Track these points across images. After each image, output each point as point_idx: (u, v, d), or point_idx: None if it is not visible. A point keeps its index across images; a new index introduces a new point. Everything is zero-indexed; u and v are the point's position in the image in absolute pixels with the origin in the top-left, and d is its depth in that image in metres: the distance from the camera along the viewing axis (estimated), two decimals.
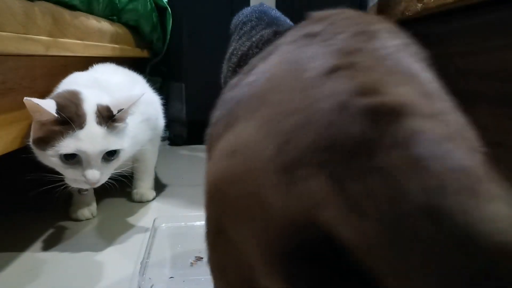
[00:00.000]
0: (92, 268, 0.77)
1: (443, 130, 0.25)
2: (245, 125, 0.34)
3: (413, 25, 1.44)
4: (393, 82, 0.29)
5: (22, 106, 0.73)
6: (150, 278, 0.70)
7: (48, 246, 0.86)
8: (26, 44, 0.73)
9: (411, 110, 0.26)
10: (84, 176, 0.77)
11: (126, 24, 1.48)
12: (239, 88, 0.39)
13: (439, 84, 0.36)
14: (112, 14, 1.34)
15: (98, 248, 0.85)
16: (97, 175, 0.78)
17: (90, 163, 0.77)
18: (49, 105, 0.75)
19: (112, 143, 0.80)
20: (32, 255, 0.82)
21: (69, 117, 0.76)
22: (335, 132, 0.26)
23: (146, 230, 0.92)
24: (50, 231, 0.93)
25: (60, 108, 0.76)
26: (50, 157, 0.77)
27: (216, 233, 0.35)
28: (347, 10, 0.43)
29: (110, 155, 0.81)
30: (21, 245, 0.86)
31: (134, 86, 1.05)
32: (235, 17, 0.97)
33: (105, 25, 1.21)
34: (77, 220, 0.99)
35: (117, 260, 0.80)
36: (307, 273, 0.28)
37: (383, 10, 1.72)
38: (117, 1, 1.34)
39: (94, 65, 1.05)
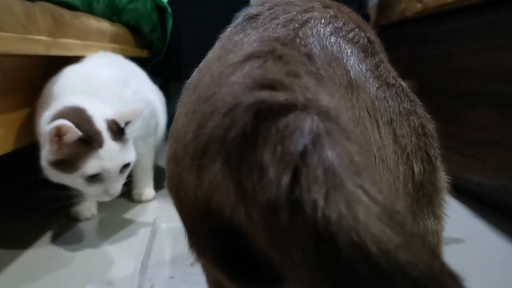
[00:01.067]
0: (92, 268, 0.77)
1: (322, 126, 0.25)
2: (181, 109, 0.36)
3: (413, 25, 1.44)
4: (297, 74, 0.29)
5: (23, 106, 0.73)
6: (150, 278, 0.70)
7: (48, 246, 0.86)
8: (26, 44, 0.73)
9: (300, 106, 0.26)
10: (108, 192, 0.80)
11: (126, 24, 1.48)
12: (192, 74, 0.41)
13: (368, 72, 0.35)
14: (112, 14, 1.34)
15: (98, 248, 0.85)
16: (119, 188, 0.81)
17: (111, 178, 0.79)
18: (71, 125, 0.73)
19: (127, 156, 0.83)
20: (32, 255, 0.82)
21: (89, 136, 0.76)
22: (229, 123, 0.27)
23: (146, 230, 0.92)
24: (50, 230, 0.93)
25: (77, 127, 0.74)
26: (73, 179, 0.77)
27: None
28: None
29: (125, 166, 0.83)
30: (21, 245, 0.86)
31: (129, 81, 1.02)
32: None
33: (105, 25, 1.21)
34: (77, 219, 0.99)
35: (117, 260, 0.80)
36: (222, 254, 0.29)
37: (383, 10, 1.72)
38: (117, 1, 1.34)
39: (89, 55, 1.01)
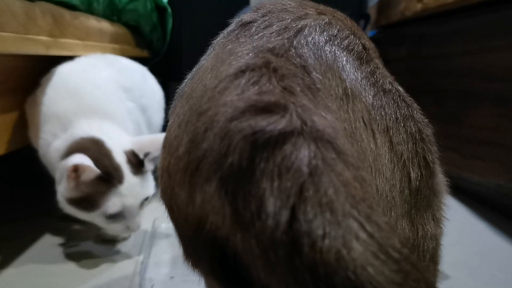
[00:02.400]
0: (92, 268, 0.77)
1: (319, 155, 0.25)
2: (174, 119, 0.36)
3: (413, 25, 1.44)
4: (293, 91, 0.29)
5: (23, 106, 0.73)
6: (150, 278, 0.70)
7: (48, 246, 0.86)
8: (26, 44, 0.73)
9: (297, 133, 0.26)
10: (130, 227, 0.76)
11: (126, 24, 1.48)
12: (184, 83, 0.41)
13: (364, 80, 0.35)
14: (112, 14, 1.34)
15: (98, 248, 0.85)
16: (140, 222, 0.77)
17: (133, 214, 0.75)
18: (89, 162, 0.68)
19: (147, 190, 0.78)
20: (32, 255, 0.82)
21: (108, 173, 0.71)
22: (226, 149, 0.27)
23: (146, 230, 0.92)
24: (50, 231, 0.93)
25: (95, 163, 0.69)
26: (93, 217, 0.73)
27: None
28: (286, 1, 0.42)
29: (145, 199, 0.79)
30: (21, 246, 0.86)
31: (128, 88, 0.95)
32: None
33: (105, 25, 1.21)
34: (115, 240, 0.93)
35: (117, 260, 0.80)
36: (217, 268, 0.30)
37: (383, 10, 1.72)
38: (117, 1, 1.34)
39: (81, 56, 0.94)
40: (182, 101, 0.36)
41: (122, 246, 0.86)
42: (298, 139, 0.26)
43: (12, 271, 0.76)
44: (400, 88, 0.38)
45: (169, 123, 0.38)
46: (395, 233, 0.24)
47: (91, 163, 0.68)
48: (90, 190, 0.70)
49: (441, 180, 0.39)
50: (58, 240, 0.89)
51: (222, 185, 0.27)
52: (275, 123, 0.26)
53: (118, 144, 0.76)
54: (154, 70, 1.18)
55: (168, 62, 1.89)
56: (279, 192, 0.24)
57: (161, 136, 0.83)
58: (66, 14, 0.92)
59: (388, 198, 0.32)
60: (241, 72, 0.31)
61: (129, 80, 0.98)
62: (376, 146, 0.32)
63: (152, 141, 0.78)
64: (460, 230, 0.90)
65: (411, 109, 0.36)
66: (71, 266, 0.78)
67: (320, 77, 0.32)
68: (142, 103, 0.99)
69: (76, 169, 0.68)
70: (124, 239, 0.89)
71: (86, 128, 0.76)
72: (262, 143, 0.26)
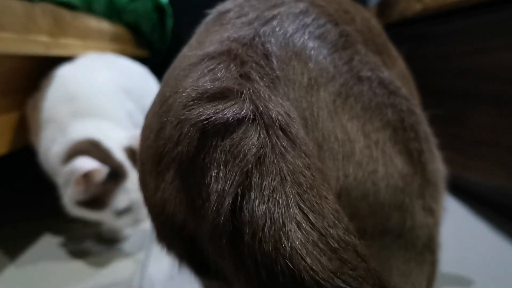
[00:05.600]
0: (93, 268, 0.77)
1: (268, 144, 0.25)
2: (151, 106, 0.37)
3: (413, 25, 1.44)
4: (250, 77, 0.29)
5: (23, 106, 0.73)
6: (150, 278, 0.70)
7: (48, 246, 0.86)
8: (26, 44, 0.73)
9: (248, 119, 0.26)
10: (138, 219, 0.78)
11: (126, 24, 1.48)
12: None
13: (334, 69, 0.35)
14: (112, 14, 1.34)
15: (98, 248, 0.85)
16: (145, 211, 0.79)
17: (140, 206, 0.77)
18: (96, 164, 0.70)
19: None
20: (32, 255, 0.82)
21: (114, 171, 0.73)
22: (177, 137, 0.28)
23: (146, 230, 0.92)
24: (50, 232, 0.93)
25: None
26: (103, 215, 0.75)
27: None
28: None
29: None
30: (21, 246, 0.86)
31: (128, 87, 0.95)
32: None
33: (105, 25, 1.21)
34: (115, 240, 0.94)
35: (117, 260, 0.80)
36: (185, 252, 0.31)
37: (383, 10, 1.72)
38: (117, 1, 1.34)
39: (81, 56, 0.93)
40: (160, 88, 0.37)
41: (122, 246, 0.86)
42: (249, 127, 0.26)
43: (13, 270, 0.76)
44: (384, 75, 0.37)
45: (148, 109, 0.39)
46: (342, 220, 0.24)
47: (99, 164, 0.69)
48: (99, 190, 0.72)
49: (436, 170, 0.38)
50: (58, 240, 0.89)
51: (177, 173, 0.28)
52: (226, 110, 0.26)
53: (116, 142, 0.77)
54: (154, 70, 1.18)
55: (168, 62, 1.89)
56: (224, 180, 0.24)
57: None
58: (66, 14, 0.92)
59: (367, 183, 0.32)
60: (201, 60, 0.31)
61: (129, 81, 0.98)
62: (345, 132, 0.32)
63: None
64: (460, 230, 0.90)
65: (392, 97, 0.36)
66: (71, 266, 0.78)
67: (283, 65, 0.32)
68: (142, 103, 0.99)
69: (86, 175, 0.69)
70: (124, 239, 0.89)
71: (81, 129, 0.77)
72: (211, 131, 0.26)
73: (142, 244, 0.86)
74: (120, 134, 0.81)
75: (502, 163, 0.96)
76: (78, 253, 0.83)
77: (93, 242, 0.88)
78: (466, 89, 1.13)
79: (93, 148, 0.74)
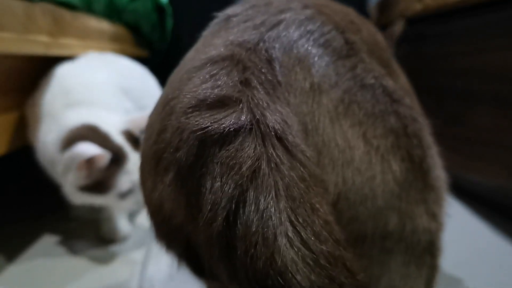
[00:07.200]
0: (93, 269, 0.77)
1: (264, 155, 0.26)
2: (155, 106, 0.37)
3: (413, 25, 1.44)
4: (250, 83, 0.30)
5: (23, 106, 0.73)
6: (150, 278, 0.70)
7: (48, 246, 0.86)
8: (26, 44, 0.73)
9: (245, 129, 0.27)
10: (140, 201, 0.78)
11: (126, 24, 1.48)
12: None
13: (337, 76, 0.35)
14: (112, 14, 1.34)
15: (98, 248, 0.85)
16: None
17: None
18: (98, 149, 0.70)
19: None
20: (32, 256, 0.82)
21: (115, 154, 0.74)
22: (177, 143, 0.28)
23: (146, 230, 0.92)
24: (50, 232, 0.93)
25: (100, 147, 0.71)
26: (106, 199, 0.76)
27: None
28: None
29: None
30: (21, 246, 0.86)
31: (125, 86, 0.95)
32: None
33: (105, 25, 1.21)
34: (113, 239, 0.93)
35: (117, 260, 0.80)
36: (183, 251, 0.31)
37: (383, 10, 1.72)
38: (117, 1, 1.34)
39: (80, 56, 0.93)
40: (164, 89, 0.37)
41: (122, 246, 0.86)
42: (245, 137, 0.26)
43: (13, 270, 0.76)
44: (388, 83, 0.37)
45: (153, 109, 0.39)
46: (333, 233, 0.25)
47: (101, 149, 0.69)
48: (102, 174, 0.73)
49: (438, 175, 0.39)
50: (58, 240, 0.89)
51: (176, 177, 0.28)
52: (223, 120, 0.27)
53: (113, 126, 0.78)
54: (154, 70, 1.18)
55: (168, 62, 1.89)
56: (220, 192, 0.25)
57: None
58: (66, 14, 0.92)
59: (364, 189, 0.32)
60: (205, 64, 0.32)
61: (128, 80, 0.98)
62: (345, 139, 0.32)
63: (147, 118, 0.80)
64: (460, 230, 0.90)
65: (395, 105, 0.36)
66: (71, 266, 0.78)
67: (286, 71, 0.32)
68: (142, 103, 0.99)
69: (90, 160, 0.70)
70: (124, 239, 0.89)
71: (76, 117, 0.77)
72: (209, 140, 0.26)
73: (141, 244, 0.86)
74: (116, 118, 0.81)
75: (502, 163, 0.96)
76: (77, 253, 0.83)
77: (92, 242, 0.88)
78: (466, 89, 1.13)
79: (92, 133, 0.74)
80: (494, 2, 1.00)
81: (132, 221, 0.99)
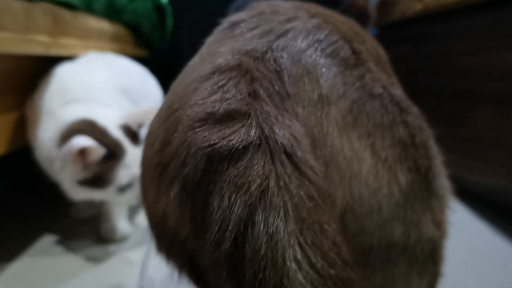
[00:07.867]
0: (92, 268, 0.77)
1: (273, 174, 0.25)
2: (158, 112, 0.37)
3: (413, 25, 1.44)
4: (259, 95, 0.29)
5: (22, 106, 0.73)
6: (150, 278, 0.70)
7: (48, 246, 0.86)
8: (26, 44, 0.73)
9: (254, 145, 0.26)
10: (138, 195, 0.78)
11: (126, 24, 1.48)
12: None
13: (345, 86, 0.34)
14: (112, 14, 1.33)
15: (98, 248, 0.85)
16: None
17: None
18: (95, 144, 0.70)
19: None
20: (32, 256, 0.82)
21: (112, 149, 0.74)
22: (184, 157, 0.28)
23: (146, 230, 0.92)
24: (50, 232, 0.93)
25: (97, 142, 0.72)
26: (106, 193, 0.76)
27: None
28: (282, 3, 0.41)
29: None
30: (21, 246, 0.86)
31: (124, 86, 0.95)
32: None
33: (105, 25, 1.21)
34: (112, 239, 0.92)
35: (117, 260, 0.80)
36: (184, 263, 0.31)
37: (383, 10, 1.72)
38: (117, 1, 1.34)
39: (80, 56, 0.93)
40: (168, 96, 0.37)
41: (122, 246, 0.86)
42: (254, 154, 0.26)
43: (13, 270, 0.76)
44: (396, 92, 0.37)
45: (155, 115, 0.38)
46: (340, 253, 0.25)
47: (95, 143, 0.70)
48: (100, 168, 0.73)
49: (443, 184, 0.38)
50: (57, 239, 0.89)
51: (182, 191, 0.27)
52: (232, 136, 0.26)
53: (110, 121, 0.78)
54: (154, 70, 1.18)
55: (168, 62, 1.89)
56: (229, 213, 0.24)
57: (154, 108, 0.85)
58: (66, 14, 0.92)
59: (371, 201, 0.32)
60: (212, 73, 0.31)
61: (128, 80, 0.98)
62: (353, 151, 0.32)
63: (146, 113, 0.82)
64: (460, 230, 0.90)
65: (404, 114, 0.36)
66: (71, 265, 0.78)
67: (294, 81, 0.32)
68: (141, 103, 0.99)
69: (82, 152, 0.70)
70: (124, 238, 0.89)
71: (72, 112, 0.77)
72: (217, 157, 0.26)
73: (141, 244, 0.86)
74: (114, 113, 0.82)
75: (502, 163, 0.96)
76: (77, 253, 0.83)
77: (92, 242, 0.88)
78: (466, 89, 1.13)
79: (89, 127, 0.75)
80: (494, 2, 1.00)
81: (132, 220, 0.99)
